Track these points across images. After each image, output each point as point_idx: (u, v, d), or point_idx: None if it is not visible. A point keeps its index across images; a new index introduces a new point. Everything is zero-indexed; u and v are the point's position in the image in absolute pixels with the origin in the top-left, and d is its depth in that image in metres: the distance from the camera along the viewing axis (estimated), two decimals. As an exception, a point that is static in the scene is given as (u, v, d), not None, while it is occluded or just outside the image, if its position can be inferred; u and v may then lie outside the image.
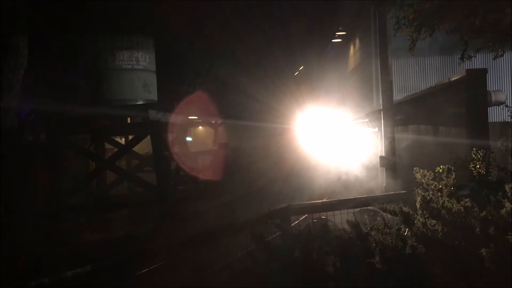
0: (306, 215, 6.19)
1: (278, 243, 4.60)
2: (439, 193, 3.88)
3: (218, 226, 5.39)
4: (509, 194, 3.56)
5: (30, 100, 12.18)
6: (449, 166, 3.97)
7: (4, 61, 10.60)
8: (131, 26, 14.20)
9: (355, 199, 6.09)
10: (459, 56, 7.33)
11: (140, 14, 13.20)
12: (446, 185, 3.91)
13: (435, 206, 3.78)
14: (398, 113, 11.03)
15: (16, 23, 10.76)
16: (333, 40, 18.31)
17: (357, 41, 16.96)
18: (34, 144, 13.71)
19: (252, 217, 5.45)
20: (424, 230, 3.69)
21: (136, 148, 16.75)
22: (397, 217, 4.04)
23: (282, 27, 16.24)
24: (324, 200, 7.02)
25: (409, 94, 12.34)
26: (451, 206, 3.70)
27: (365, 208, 5.59)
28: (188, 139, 21.18)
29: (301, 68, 21.89)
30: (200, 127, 24.98)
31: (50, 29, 12.51)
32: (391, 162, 9.79)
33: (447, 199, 3.79)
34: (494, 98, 8.82)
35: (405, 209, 3.95)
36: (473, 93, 7.61)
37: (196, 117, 20.31)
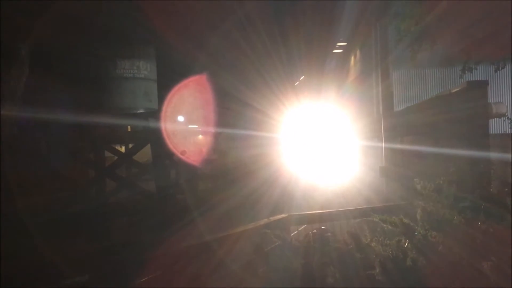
0: (305, 225, 6.16)
1: (278, 254, 4.56)
2: (440, 205, 3.85)
3: (217, 236, 5.35)
4: (510, 207, 3.53)
5: (31, 108, 12.18)
6: (450, 178, 3.95)
7: (5, 69, 10.62)
8: (132, 36, 14.27)
9: (354, 209, 6.06)
10: (461, 68, 7.34)
11: (142, 24, 13.26)
12: (447, 197, 3.88)
13: (436, 218, 3.75)
14: (398, 123, 11.02)
15: (18, 31, 10.80)
16: (334, 51, 18.36)
17: (358, 51, 17.01)
18: (34, 152, 13.70)
19: (251, 227, 5.42)
20: (425, 242, 3.66)
21: (136, 156, 16.75)
22: (397, 228, 4.01)
23: (282, 38, 16.26)
24: (323, 210, 6.98)
25: (410, 105, 12.34)
26: (452, 218, 3.67)
27: (365, 218, 5.55)
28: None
29: (301, 78, 21.92)
30: (200, 136, 24.98)
31: (51, 37, 12.55)
32: (391, 173, 9.76)
33: (448, 211, 3.77)
34: (495, 110, 8.81)
35: (405, 220, 3.93)
36: (473, 104, 7.60)
37: (196, 126, 20.31)
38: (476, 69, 7.48)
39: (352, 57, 17.90)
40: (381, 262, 3.69)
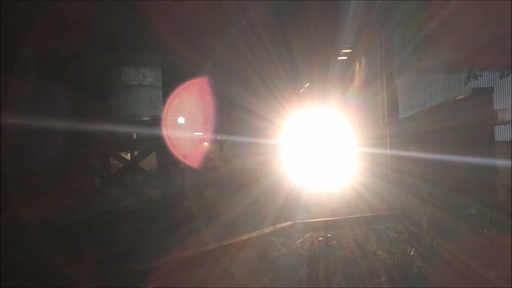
0: (310, 233, 6.14)
1: (283, 262, 4.55)
2: (446, 213, 3.84)
3: (222, 244, 5.35)
4: (515, 214, 3.52)
5: (36, 115, 12.27)
6: (456, 185, 3.94)
7: (11, 76, 10.70)
8: (138, 43, 14.37)
9: (360, 217, 6.04)
10: (466, 75, 7.33)
11: (147, 32, 13.36)
12: (453, 205, 3.87)
13: (442, 225, 3.74)
14: (404, 130, 10.99)
15: (23, 39, 10.89)
16: (338, 58, 18.38)
17: (363, 58, 17.01)
18: (39, 160, 13.76)
19: (257, 235, 5.41)
20: (431, 250, 3.65)
21: (141, 163, 16.80)
22: (403, 236, 4.00)
23: (286, 46, 16.34)
24: (328, 218, 6.97)
25: (415, 112, 12.32)
26: (458, 226, 3.66)
27: (371, 225, 5.52)
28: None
29: (307, 85, 21.97)
30: (206, 143, 25.05)
31: (56, 45, 12.65)
32: (396, 180, 9.73)
33: (454, 218, 3.75)
34: (500, 117, 8.78)
35: (411, 228, 3.92)
36: (479, 111, 7.58)
37: (201, 133, 20.37)
38: (481, 76, 7.46)
39: (357, 64, 17.91)
40: (387, 270, 3.67)
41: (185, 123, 17.66)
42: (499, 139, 9.65)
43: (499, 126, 9.36)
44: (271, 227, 5.65)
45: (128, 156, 18.55)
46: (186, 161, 17.13)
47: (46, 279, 7.35)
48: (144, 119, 15.16)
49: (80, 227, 13.06)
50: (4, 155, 10.49)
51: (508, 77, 7.74)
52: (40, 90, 12.28)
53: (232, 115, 18.83)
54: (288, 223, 5.76)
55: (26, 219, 10.76)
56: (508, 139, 9.37)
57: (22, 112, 11.01)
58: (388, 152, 10.22)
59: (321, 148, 15.34)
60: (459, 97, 8.50)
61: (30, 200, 11.55)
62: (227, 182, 18.86)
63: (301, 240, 5.93)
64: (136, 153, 17.29)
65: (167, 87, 15.84)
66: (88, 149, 15.63)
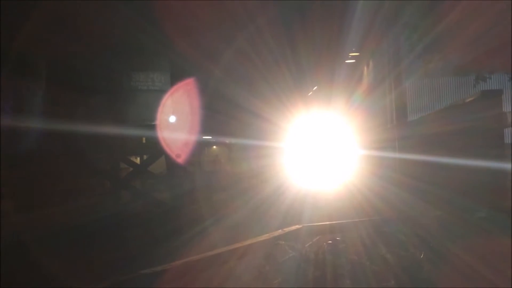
0: (319, 236, 6.13)
1: (292, 265, 4.56)
2: (455, 216, 3.83)
3: (230, 247, 5.36)
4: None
5: (47, 120, 12.38)
6: (465, 189, 3.93)
7: (23, 82, 10.81)
8: (147, 48, 14.48)
9: (367, 220, 6.02)
10: (474, 77, 7.30)
11: (157, 37, 13.46)
12: (462, 208, 3.86)
13: (451, 229, 3.73)
14: (412, 133, 10.95)
15: (35, 44, 11.01)
16: (346, 61, 18.35)
17: (370, 61, 16.97)
18: (51, 163, 13.87)
19: (265, 238, 5.42)
20: (440, 254, 3.64)
21: (150, 167, 16.90)
22: (412, 240, 3.99)
23: (292, 51, 16.37)
24: (337, 222, 6.95)
25: (423, 115, 12.27)
26: (468, 230, 3.65)
27: (379, 228, 5.50)
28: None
29: (315, 88, 21.94)
30: (214, 147, 25.14)
31: (66, 51, 12.77)
32: (405, 183, 9.68)
33: (463, 222, 3.74)
34: (510, 119, 8.70)
35: (420, 232, 3.91)
36: (488, 114, 7.53)
37: (210, 137, 20.47)
38: (490, 78, 7.42)
39: (364, 67, 17.87)
40: (395, 274, 3.66)
41: (192, 126, 17.76)
42: (509, 142, 9.56)
43: (508, 129, 9.27)
44: (280, 230, 5.66)
45: (138, 160, 18.68)
46: (192, 164, 17.18)
47: (53, 280, 7.39)
48: (153, 123, 15.26)
49: (89, 230, 13.12)
50: (16, 159, 10.60)
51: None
52: (50, 95, 12.40)
53: (240, 119, 18.87)
54: (297, 226, 5.77)
55: (35, 221, 10.85)
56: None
57: (33, 117, 11.12)
58: (397, 155, 10.16)
59: (328, 151, 15.30)
60: (468, 100, 8.45)
61: (39, 202, 11.64)
62: (235, 184, 18.90)
63: (309, 243, 5.92)
64: (145, 157, 17.41)
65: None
66: (98, 153, 15.75)
